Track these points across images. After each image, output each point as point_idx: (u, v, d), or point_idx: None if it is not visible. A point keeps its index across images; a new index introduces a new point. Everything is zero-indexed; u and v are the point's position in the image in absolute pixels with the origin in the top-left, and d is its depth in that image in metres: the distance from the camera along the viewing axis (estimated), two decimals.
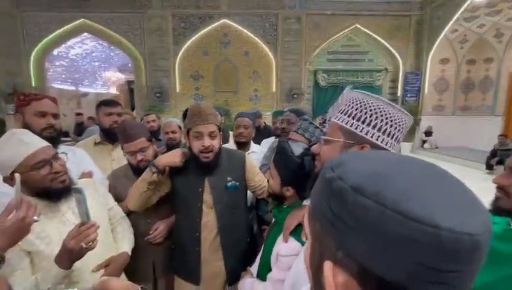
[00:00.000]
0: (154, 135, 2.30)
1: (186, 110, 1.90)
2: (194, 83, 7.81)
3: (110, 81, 9.55)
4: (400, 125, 0.67)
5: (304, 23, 7.56)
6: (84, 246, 0.84)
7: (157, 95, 7.44)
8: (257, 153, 1.98)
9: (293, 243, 0.88)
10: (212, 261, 1.29)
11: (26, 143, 0.92)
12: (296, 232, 0.89)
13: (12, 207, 0.72)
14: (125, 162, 1.47)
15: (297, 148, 0.97)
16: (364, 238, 0.25)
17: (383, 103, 0.68)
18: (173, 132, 2.12)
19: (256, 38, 7.57)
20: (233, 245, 1.31)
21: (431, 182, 0.27)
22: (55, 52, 7.49)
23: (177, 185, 1.30)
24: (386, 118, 0.66)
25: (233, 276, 1.24)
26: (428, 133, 7.88)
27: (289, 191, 0.99)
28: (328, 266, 0.28)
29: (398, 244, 0.24)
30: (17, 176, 0.77)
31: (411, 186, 0.26)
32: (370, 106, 0.67)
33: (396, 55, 7.93)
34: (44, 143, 0.98)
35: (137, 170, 1.36)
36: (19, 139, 0.92)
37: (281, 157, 1.00)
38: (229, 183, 1.29)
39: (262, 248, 1.09)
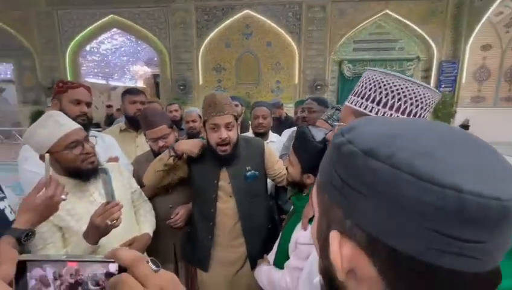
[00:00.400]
0: (176, 124, 2.35)
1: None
2: (216, 76, 7.87)
3: (137, 75, 9.93)
4: (422, 102, 0.60)
5: (329, 11, 7.25)
6: (109, 223, 0.88)
7: (181, 87, 7.61)
8: (276, 142, 1.95)
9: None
10: (232, 247, 1.30)
11: (61, 124, 0.98)
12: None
13: (42, 185, 0.76)
14: (148, 148, 1.53)
15: (318, 134, 0.93)
16: (374, 204, 0.23)
17: (402, 80, 0.61)
18: (193, 121, 2.16)
19: (279, 29, 7.41)
20: (255, 232, 1.32)
21: (456, 144, 0.24)
22: (87, 47, 7.92)
23: (194, 174, 1.33)
24: (405, 96, 0.60)
25: (255, 261, 1.25)
26: (464, 126, 7.28)
27: (310, 179, 0.95)
28: (334, 235, 0.26)
29: (412, 210, 0.21)
30: (46, 156, 0.81)
31: (431, 148, 0.23)
32: (385, 85, 0.61)
33: (431, 42, 7.35)
34: (77, 125, 1.04)
35: (159, 155, 1.40)
36: (55, 121, 0.98)
37: (301, 143, 0.96)
38: (248, 173, 1.28)
39: (280, 235, 1.07)
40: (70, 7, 7.42)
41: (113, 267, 0.32)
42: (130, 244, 1.10)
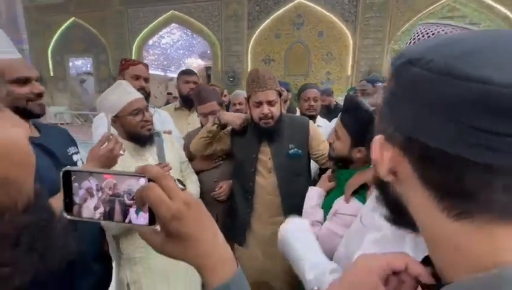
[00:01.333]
0: (225, 108, 2.43)
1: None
2: (265, 67, 7.89)
3: (191, 67, 10.58)
4: None
5: None
6: None
7: (230, 79, 7.85)
8: (323, 127, 1.87)
9: (355, 203, 0.78)
10: (271, 224, 1.30)
11: (128, 92, 1.12)
12: (360, 193, 0.79)
13: (104, 139, 0.87)
14: (198, 125, 1.63)
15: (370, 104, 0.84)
16: (410, 105, 0.25)
17: (457, 29, 0.50)
18: (240, 104, 2.20)
19: (333, 17, 7.03)
20: (295, 211, 1.28)
21: (504, 45, 0.23)
22: (150, 42, 8.72)
23: (235, 147, 1.36)
24: None
25: None
26: None
27: (360, 153, 0.87)
28: (377, 138, 0.29)
29: (444, 105, 0.23)
30: (109, 116, 0.92)
31: (477, 49, 0.23)
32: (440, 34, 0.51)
33: None
34: (141, 95, 1.17)
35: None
36: (123, 89, 1.12)
37: (351, 115, 0.88)
38: (291, 151, 1.27)
39: None
40: (138, 5, 8.23)
41: (143, 182, 0.34)
42: None
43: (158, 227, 0.34)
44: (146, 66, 1.61)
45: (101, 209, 0.35)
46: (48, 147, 0.89)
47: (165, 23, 8.32)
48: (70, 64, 9.66)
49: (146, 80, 1.56)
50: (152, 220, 0.34)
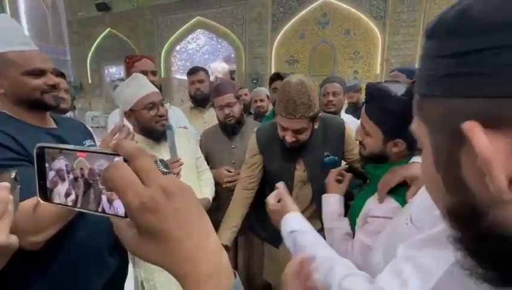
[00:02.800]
0: (245, 108, 2.39)
1: (274, 74, 1.85)
2: (289, 68, 7.78)
3: (216, 71, 10.79)
4: None
5: None
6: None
7: (254, 81, 7.85)
8: (349, 124, 1.73)
9: (390, 203, 0.67)
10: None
11: (143, 86, 1.11)
12: (396, 192, 0.67)
13: (116, 130, 0.86)
14: (214, 123, 1.61)
15: (399, 88, 0.72)
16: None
17: None
18: (261, 100, 2.14)
19: (360, 14, 6.75)
20: None
21: None
22: (177, 47, 9.04)
23: (268, 160, 1.24)
24: None
25: None
26: None
27: (397, 146, 0.74)
28: (471, 126, 0.18)
29: None
30: (121, 107, 0.90)
31: None
32: None
33: None
34: (156, 89, 1.16)
35: (224, 127, 1.44)
36: (138, 82, 1.11)
37: (376, 103, 0.76)
38: (326, 159, 1.15)
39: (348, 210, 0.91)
40: (167, 14, 8.61)
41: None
42: None
43: None
44: (151, 58, 1.62)
45: (73, 197, 0.30)
46: (64, 138, 0.89)
47: (191, 29, 8.60)
48: (106, 71, 10.35)
49: (153, 73, 1.56)
50: None
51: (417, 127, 0.26)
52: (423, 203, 0.54)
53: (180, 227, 0.24)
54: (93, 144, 1.05)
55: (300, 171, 1.18)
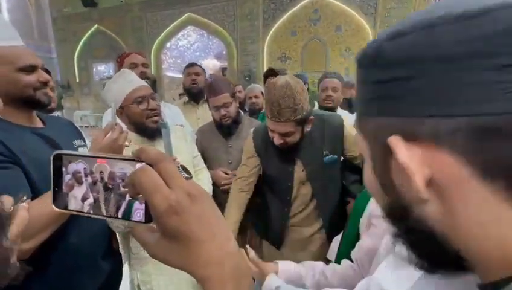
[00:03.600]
0: (240, 105, 2.36)
1: (268, 71, 1.83)
2: (281, 65, 7.76)
3: (207, 68, 10.68)
4: None
5: None
6: None
7: (246, 78, 7.80)
8: (347, 120, 1.74)
9: None
10: (306, 226, 1.25)
11: (130, 80, 1.07)
12: None
13: (108, 128, 0.82)
14: (208, 120, 1.57)
15: None
16: (435, 78, 0.19)
17: None
18: (256, 97, 2.12)
19: (351, 10, 6.78)
20: (330, 211, 1.24)
21: None
22: (168, 44, 8.89)
23: (265, 163, 1.23)
24: None
25: (332, 236, 1.22)
26: None
27: None
28: (394, 140, 0.22)
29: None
30: (113, 104, 0.87)
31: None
32: None
33: None
34: (144, 83, 1.11)
35: (220, 126, 1.41)
36: (124, 78, 1.07)
37: None
38: (326, 158, 1.13)
39: (346, 224, 0.91)
40: (156, 10, 8.43)
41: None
42: None
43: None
44: (140, 52, 1.61)
45: (91, 200, 0.29)
46: (52, 138, 0.85)
47: (181, 25, 8.46)
48: (94, 69, 10.09)
49: (144, 65, 1.54)
50: (149, 216, 0.27)
51: (359, 142, 0.29)
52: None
53: (203, 230, 0.25)
54: (84, 144, 1.01)
55: (299, 172, 1.16)
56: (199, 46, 9.74)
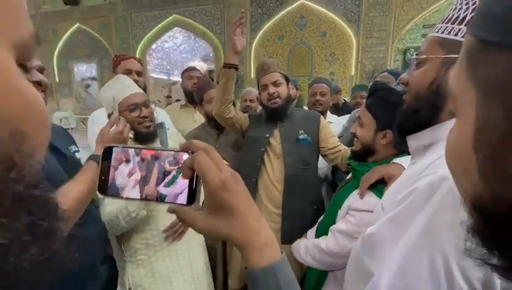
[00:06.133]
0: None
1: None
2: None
3: None
4: None
5: None
6: None
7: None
8: (334, 123, 1.83)
9: (371, 198, 0.74)
10: (269, 213, 1.30)
11: (126, 86, 1.08)
12: (376, 187, 0.74)
13: (113, 121, 0.87)
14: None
15: (397, 87, 0.82)
16: None
17: None
18: (251, 101, 2.16)
19: (336, 17, 7.00)
20: (296, 206, 1.28)
21: None
22: (153, 46, 8.76)
23: (250, 129, 1.41)
24: None
25: (288, 236, 1.23)
26: None
27: (385, 139, 0.83)
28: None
29: None
30: (114, 99, 0.89)
31: None
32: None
33: None
34: (139, 90, 1.12)
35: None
36: (120, 83, 1.08)
37: (376, 96, 0.86)
38: (301, 136, 1.30)
39: (330, 201, 0.97)
40: (142, 10, 8.30)
41: (186, 158, 0.34)
42: None
43: (198, 205, 0.33)
44: (138, 60, 1.60)
45: (138, 188, 0.33)
46: (52, 142, 0.86)
47: (168, 27, 8.37)
48: (76, 69, 9.75)
49: (138, 73, 1.54)
50: (191, 199, 0.33)
51: (460, 86, 0.18)
52: (391, 194, 0.62)
53: (245, 205, 0.32)
54: (77, 150, 1.01)
55: (275, 143, 1.32)
56: (185, 48, 9.67)
